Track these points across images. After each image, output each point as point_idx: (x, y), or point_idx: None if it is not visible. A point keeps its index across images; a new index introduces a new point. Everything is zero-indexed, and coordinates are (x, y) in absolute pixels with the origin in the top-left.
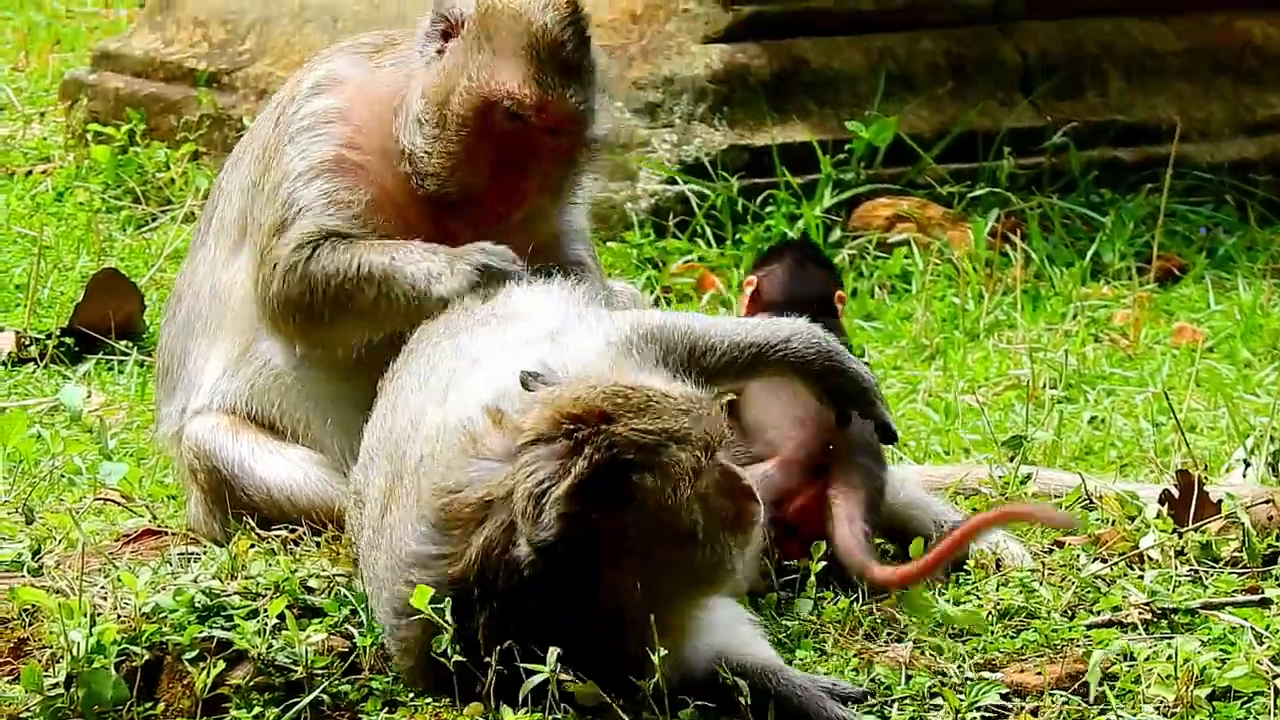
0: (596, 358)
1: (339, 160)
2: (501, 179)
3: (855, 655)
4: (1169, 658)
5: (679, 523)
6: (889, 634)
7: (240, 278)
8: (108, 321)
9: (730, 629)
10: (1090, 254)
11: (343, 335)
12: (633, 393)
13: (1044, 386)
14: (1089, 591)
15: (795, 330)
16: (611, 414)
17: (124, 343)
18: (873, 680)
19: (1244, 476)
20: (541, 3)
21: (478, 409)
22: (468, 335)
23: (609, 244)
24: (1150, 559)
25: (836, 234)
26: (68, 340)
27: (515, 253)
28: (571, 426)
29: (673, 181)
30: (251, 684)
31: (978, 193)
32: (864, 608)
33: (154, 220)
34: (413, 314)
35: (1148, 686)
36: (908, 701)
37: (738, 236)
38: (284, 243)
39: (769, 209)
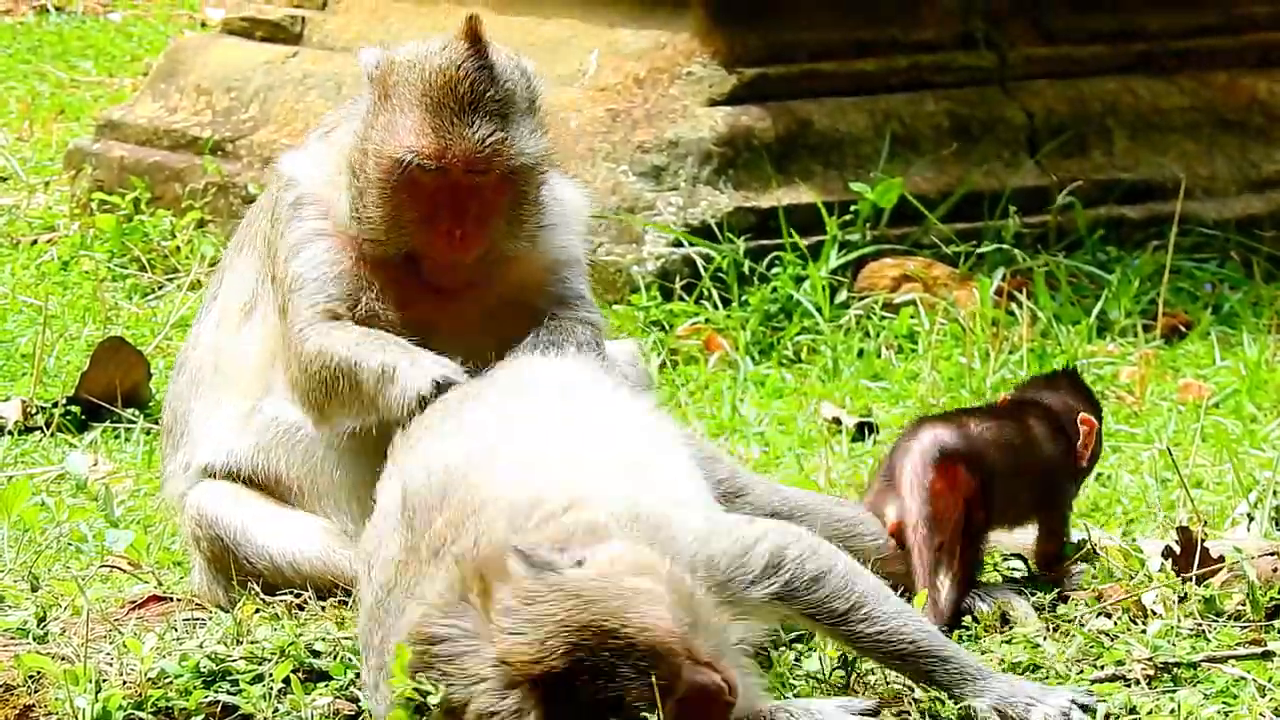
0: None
1: (318, 237)
2: (437, 231)
3: None
4: (1172, 711)
5: None
6: (884, 692)
7: (249, 346)
8: (114, 390)
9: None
10: (1096, 312)
11: (339, 416)
12: (589, 636)
13: None
14: (1093, 646)
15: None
16: (566, 670)
17: (130, 411)
18: None
19: (1248, 530)
20: (436, 46)
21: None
22: (524, 411)
23: (615, 307)
24: (1153, 613)
25: (843, 295)
26: (74, 409)
27: (499, 294)
28: (528, 677)
29: (678, 244)
30: None
31: (983, 251)
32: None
33: (160, 288)
34: (382, 410)
35: None
36: None
37: (744, 298)
38: (290, 328)
39: (775, 270)
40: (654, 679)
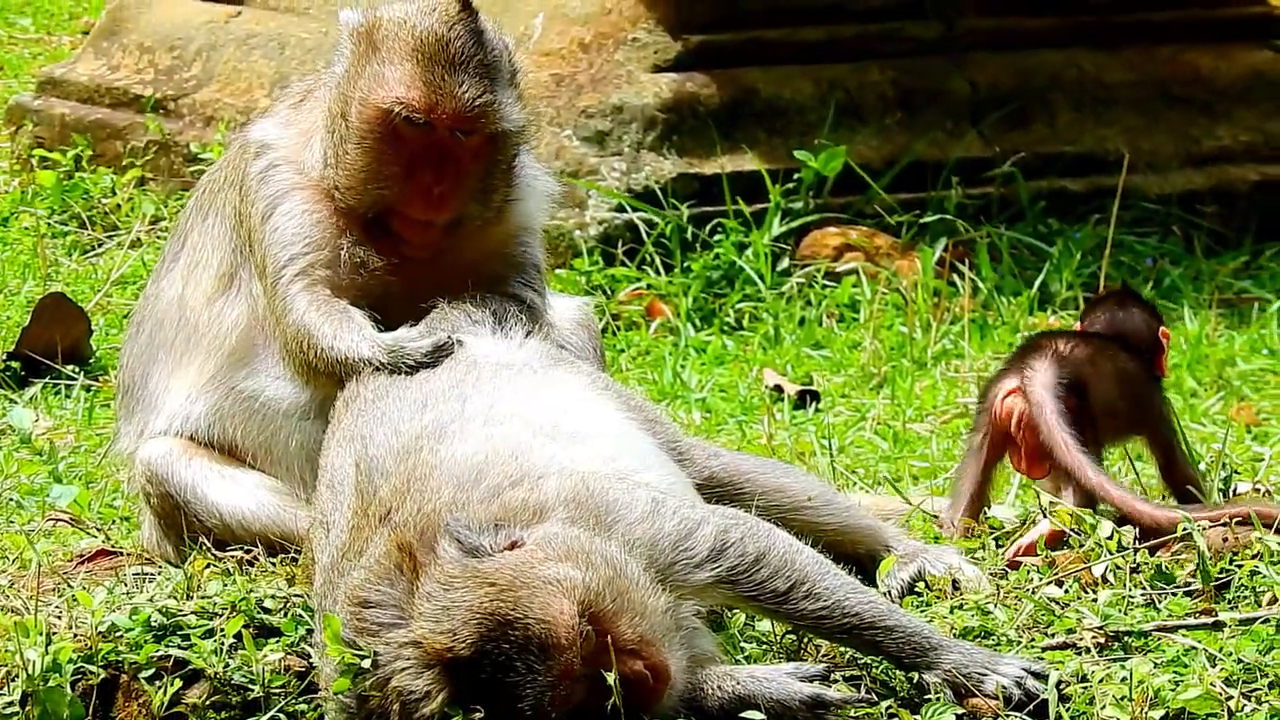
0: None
1: (293, 191)
2: (415, 186)
3: None
4: (1123, 680)
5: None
6: (827, 656)
7: (226, 316)
8: (54, 346)
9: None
10: (1038, 284)
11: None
12: (501, 629)
13: None
14: (1044, 614)
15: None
16: (472, 659)
17: (71, 367)
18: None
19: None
20: (427, 7)
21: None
22: (474, 384)
23: (558, 271)
24: (1105, 581)
25: (785, 263)
26: (14, 365)
27: (459, 263)
28: (429, 660)
29: (621, 209)
30: (208, 703)
31: (926, 222)
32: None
33: (100, 245)
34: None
35: (1102, 708)
36: (855, 703)
37: (686, 264)
38: (271, 292)
39: (717, 237)
40: (548, 673)
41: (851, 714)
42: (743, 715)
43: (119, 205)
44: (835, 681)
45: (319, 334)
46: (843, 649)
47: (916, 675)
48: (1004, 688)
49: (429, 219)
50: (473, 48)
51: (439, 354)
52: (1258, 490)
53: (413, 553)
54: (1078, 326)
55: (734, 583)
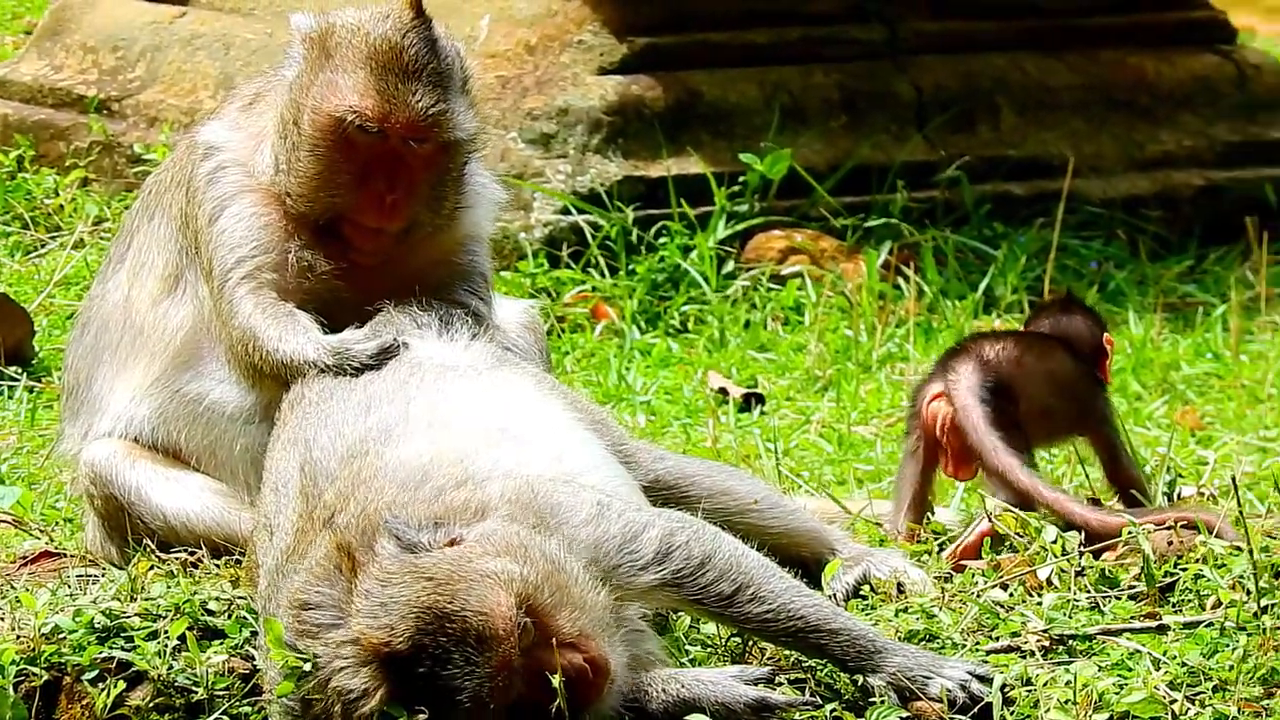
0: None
1: (242, 193)
2: (367, 194)
3: None
4: (1068, 683)
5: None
6: (772, 659)
7: (172, 318)
8: None
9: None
10: (983, 287)
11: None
12: (437, 622)
13: None
14: (989, 617)
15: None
16: (409, 654)
17: (14, 368)
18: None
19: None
20: (380, 14)
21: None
22: (419, 386)
23: (503, 273)
24: (1049, 585)
25: (730, 266)
26: None
27: (407, 271)
28: (366, 657)
29: (567, 211)
30: (151, 705)
31: (871, 225)
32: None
33: (43, 246)
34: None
35: (1046, 712)
36: (800, 706)
37: (631, 267)
38: (217, 295)
39: (662, 240)
40: (486, 665)
41: (796, 717)
42: (687, 718)
43: (62, 206)
44: (780, 685)
45: (265, 336)
46: (788, 652)
47: (861, 678)
48: (948, 690)
49: (380, 226)
50: (426, 55)
51: (384, 355)
52: (1202, 494)
53: (352, 553)
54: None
55: (679, 585)
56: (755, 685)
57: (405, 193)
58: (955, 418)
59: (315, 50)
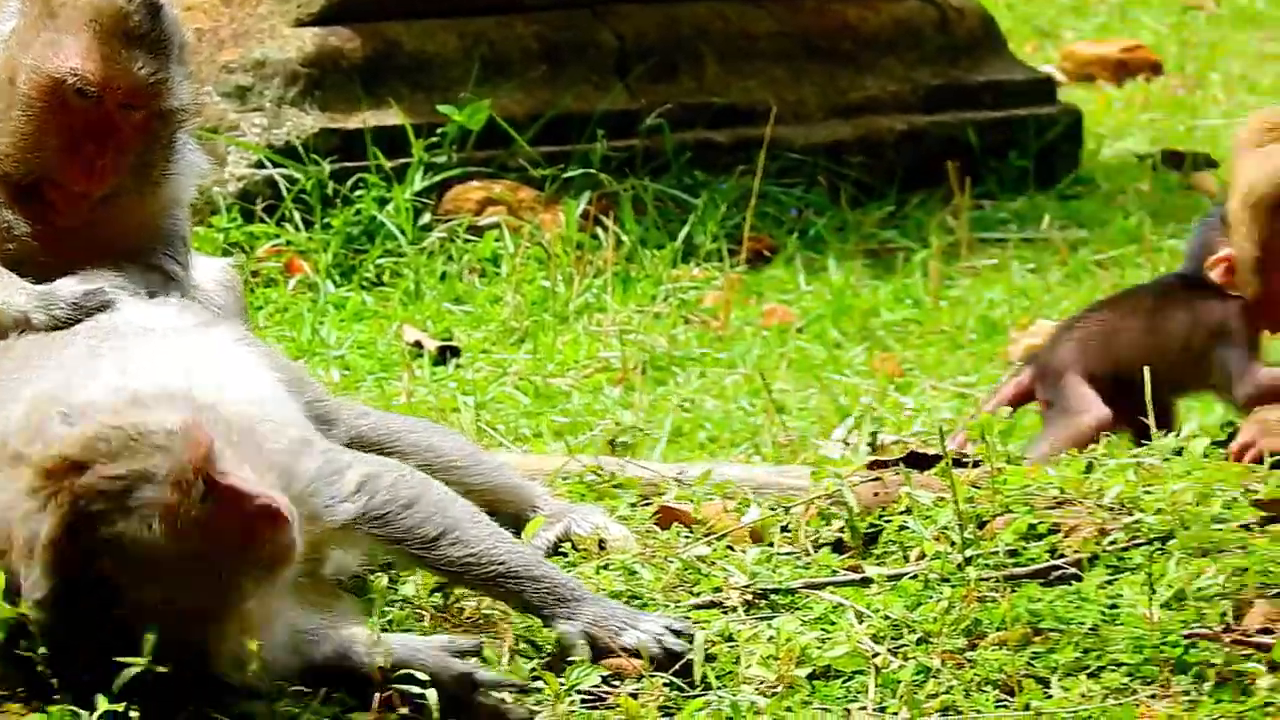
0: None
1: None
2: (77, 158)
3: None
4: (770, 638)
5: (173, 553)
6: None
7: None
8: None
9: (321, 615)
10: (682, 236)
11: None
12: (115, 433)
13: (634, 369)
14: (690, 573)
15: None
16: (83, 463)
17: None
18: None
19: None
20: None
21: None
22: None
23: (196, 229)
24: (754, 539)
25: (426, 218)
26: None
27: (109, 236)
28: (43, 483)
29: (261, 165)
30: None
31: (570, 175)
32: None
33: None
34: None
35: (748, 667)
36: (506, 687)
37: (327, 221)
38: None
39: (359, 193)
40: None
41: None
42: (402, 673)
43: None
44: (487, 661)
45: None
46: (487, 609)
47: (557, 625)
48: (644, 642)
49: (85, 190)
50: (149, 22)
51: (92, 299)
52: (904, 443)
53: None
54: None
55: (384, 522)
56: (464, 658)
57: (115, 158)
58: None
59: (36, 6)
